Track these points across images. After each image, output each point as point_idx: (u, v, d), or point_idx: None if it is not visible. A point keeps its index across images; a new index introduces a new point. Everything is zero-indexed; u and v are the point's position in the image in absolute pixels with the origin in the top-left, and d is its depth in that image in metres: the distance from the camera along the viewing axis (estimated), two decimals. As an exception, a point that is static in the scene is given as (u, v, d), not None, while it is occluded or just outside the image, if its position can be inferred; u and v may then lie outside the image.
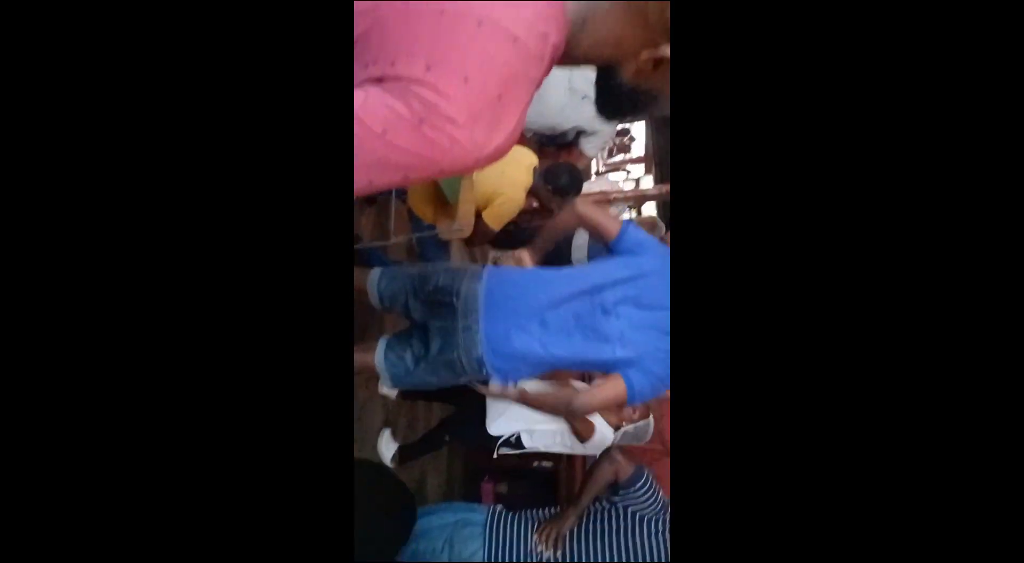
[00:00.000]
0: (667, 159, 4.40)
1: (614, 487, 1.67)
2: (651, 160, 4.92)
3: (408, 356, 1.45)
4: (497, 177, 2.05)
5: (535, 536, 1.63)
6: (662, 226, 2.76)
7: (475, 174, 1.91)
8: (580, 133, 2.64)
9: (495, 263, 1.61)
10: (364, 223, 2.62)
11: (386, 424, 2.62)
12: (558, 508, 1.74)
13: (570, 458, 2.97)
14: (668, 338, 1.35)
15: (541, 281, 1.44)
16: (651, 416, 2.11)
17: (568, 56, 0.58)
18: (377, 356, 1.48)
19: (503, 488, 3.31)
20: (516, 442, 2.16)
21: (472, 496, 3.20)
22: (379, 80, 0.51)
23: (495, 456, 2.19)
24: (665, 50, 0.55)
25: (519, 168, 2.15)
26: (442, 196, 1.90)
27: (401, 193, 2.24)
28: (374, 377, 1.53)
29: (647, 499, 1.61)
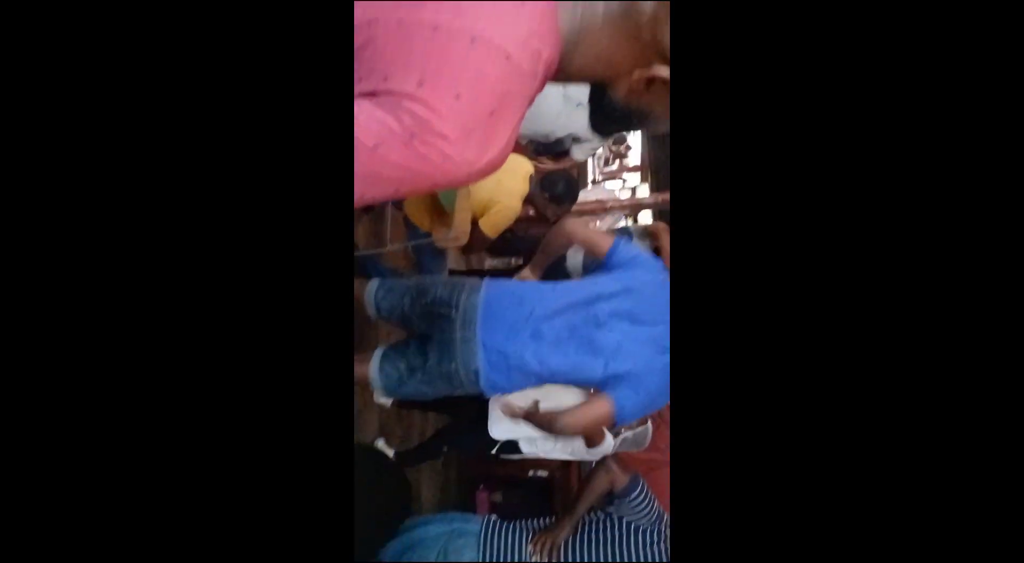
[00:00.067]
0: (663, 168, 4.42)
1: (609, 497, 1.66)
2: (647, 169, 4.95)
3: (403, 367, 1.45)
4: (493, 185, 2.05)
5: (530, 546, 1.63)
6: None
7: (471, 183, 1.91)
8: (576, 140, 2.65)
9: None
10: (360, 231, 2.62)
11: (381, 433, 2.62)
12: (553, 518, 1.73)
13: (566, 467, 2.96)
14: (663, 355, 1.35)
15: (537, 293, 1.45)
16: (649, 422, 2.11)
17: (561, 73, 0.59)
18: (372, 367, 1.48)
19: (498, 497, 3.28)
20: (516, 447, 2.15)
21: (467, 505, 3.18)
22: (372, 94, 0.51)
23: (495, 456, 2.18)
24: (658, 69, 0.56)
25: (515, 177, 2.15)
26: (439, 204, 1.90)
27: (397, 201, 2.24)
28: (368, 387, 1.53)
29: (643, 509, 1.61)
